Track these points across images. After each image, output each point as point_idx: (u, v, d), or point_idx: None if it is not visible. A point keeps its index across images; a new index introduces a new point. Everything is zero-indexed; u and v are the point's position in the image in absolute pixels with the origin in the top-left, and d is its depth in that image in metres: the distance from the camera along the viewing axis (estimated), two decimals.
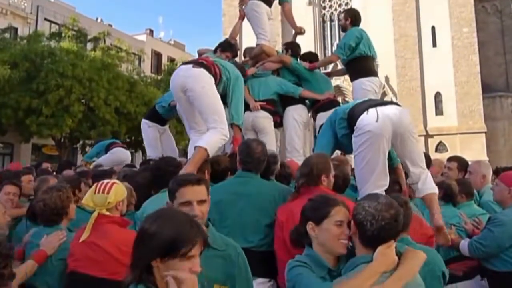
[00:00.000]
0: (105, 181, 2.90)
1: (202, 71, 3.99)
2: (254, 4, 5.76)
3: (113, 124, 20.98)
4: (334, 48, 28.61)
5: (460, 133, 28.85)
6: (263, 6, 5.78)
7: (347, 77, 6.76)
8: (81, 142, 22.84)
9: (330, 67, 15.71)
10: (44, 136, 20.52)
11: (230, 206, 3.05)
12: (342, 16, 5.81)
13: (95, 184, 2.89)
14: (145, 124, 6.08)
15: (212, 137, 3.75)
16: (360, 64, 5.39)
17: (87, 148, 23.27)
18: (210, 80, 4.00)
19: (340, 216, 2.16)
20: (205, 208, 2.18)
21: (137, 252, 1.62)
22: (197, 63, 4.10)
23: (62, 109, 19.41)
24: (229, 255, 2.20)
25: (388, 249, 1.99)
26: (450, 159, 5.14)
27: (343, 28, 5.67)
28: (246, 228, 2.96)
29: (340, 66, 6.54)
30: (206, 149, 3.58)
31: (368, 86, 5.32)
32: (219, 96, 4.03)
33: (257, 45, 5.87)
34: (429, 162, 4.78)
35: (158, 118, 5.96)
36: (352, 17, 5.64)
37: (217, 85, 4.09)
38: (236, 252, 2.24)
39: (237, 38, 6.33)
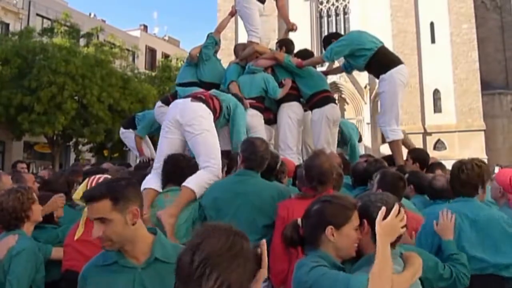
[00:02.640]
0: (97, 176, 2.91)
1: (200, 106, 3.93)
2: (245, 0, 5.77)
3: (107, 121, 20.86)
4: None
5: (459, 131, 28.72)
6: (255, 2, 5.80)
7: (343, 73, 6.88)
8: (74, 139, 22.73)
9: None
10: (36, 134, 20.37)
11: (227, 204, 3.11)
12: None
13: (87, 179, 2.92)
14: (124, 132, 6.38)
15: (202, 177, 3.55)
16: (380, 59, 5.28)
17: (80, 146, 23.06)
18: (209, 115, 3.94)
19: (357, 220, 2.09)
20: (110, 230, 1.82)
21: None
22: (195, 97, 4.06)
23: (54, 106, 19.31)
24: None
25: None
26: (432, 169, 4.55)
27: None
28: (242, 227, 2.87)
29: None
30: (193, 191, 3.42)
31: (397, 80, 5.23)
32: (215, 132, 3.92)
33: (248, 42, 5.86)
34: (427, 159, 4.83)
35: (135, 128, 6.28)
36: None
37: (218, 118, 4.11)
38: None
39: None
